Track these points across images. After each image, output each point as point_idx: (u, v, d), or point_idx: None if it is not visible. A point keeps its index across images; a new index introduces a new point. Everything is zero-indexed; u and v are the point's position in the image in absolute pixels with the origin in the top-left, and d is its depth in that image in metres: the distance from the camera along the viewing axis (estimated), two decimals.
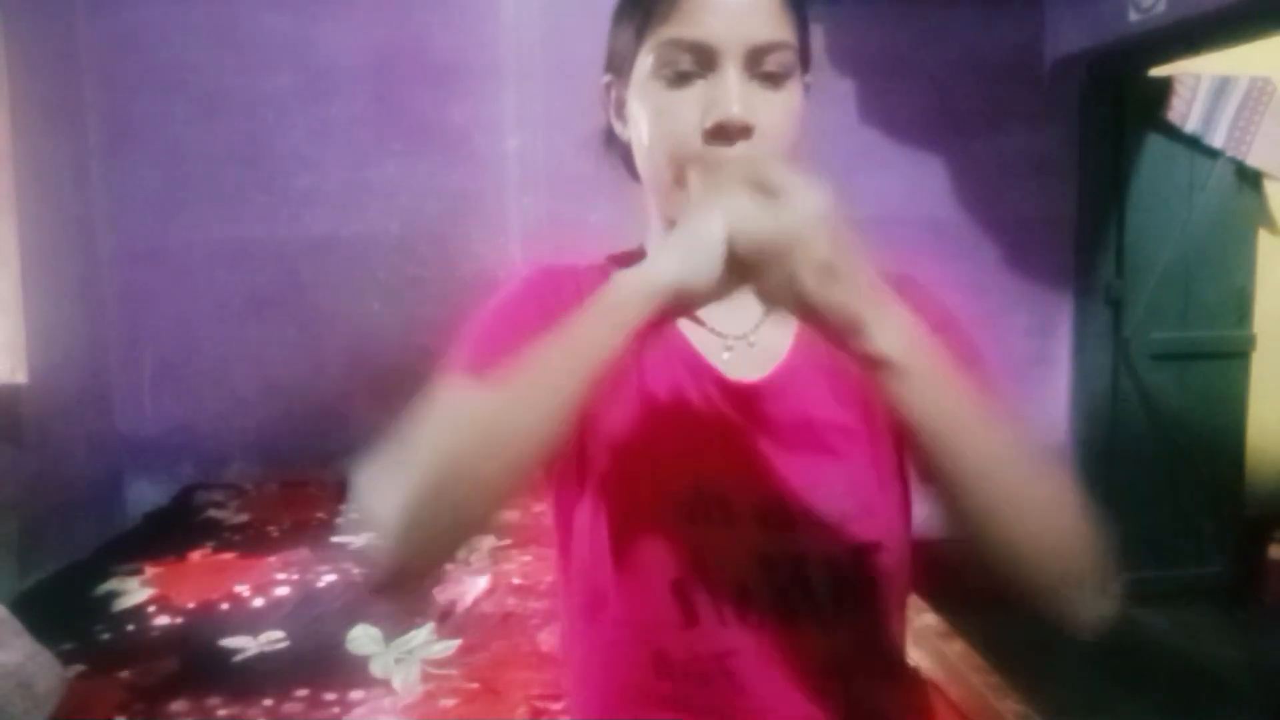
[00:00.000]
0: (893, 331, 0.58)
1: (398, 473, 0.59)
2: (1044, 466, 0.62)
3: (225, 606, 1.89)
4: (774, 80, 0.69)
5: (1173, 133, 3.16)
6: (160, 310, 2.89)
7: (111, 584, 2.01)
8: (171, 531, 2.39)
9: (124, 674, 1.61)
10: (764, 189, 0.57)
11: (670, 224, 0.71)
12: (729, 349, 0.76)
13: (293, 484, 2.71)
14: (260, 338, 2.90)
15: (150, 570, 2.07)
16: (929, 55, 3.04)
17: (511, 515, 2.10)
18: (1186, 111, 3.14)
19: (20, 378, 2.38)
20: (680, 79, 0.69)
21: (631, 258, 0.82)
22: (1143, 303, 3.20)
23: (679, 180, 0.69)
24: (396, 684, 1.57)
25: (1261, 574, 3.24)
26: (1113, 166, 3.15)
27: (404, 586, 0.63)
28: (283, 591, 1.95)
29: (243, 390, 2.90)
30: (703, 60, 0.68)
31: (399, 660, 1.65)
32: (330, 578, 2.01)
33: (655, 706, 0.70)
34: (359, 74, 2.89)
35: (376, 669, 1.62)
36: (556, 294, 0.75)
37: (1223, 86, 3.14)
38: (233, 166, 2.86)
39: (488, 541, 2.12)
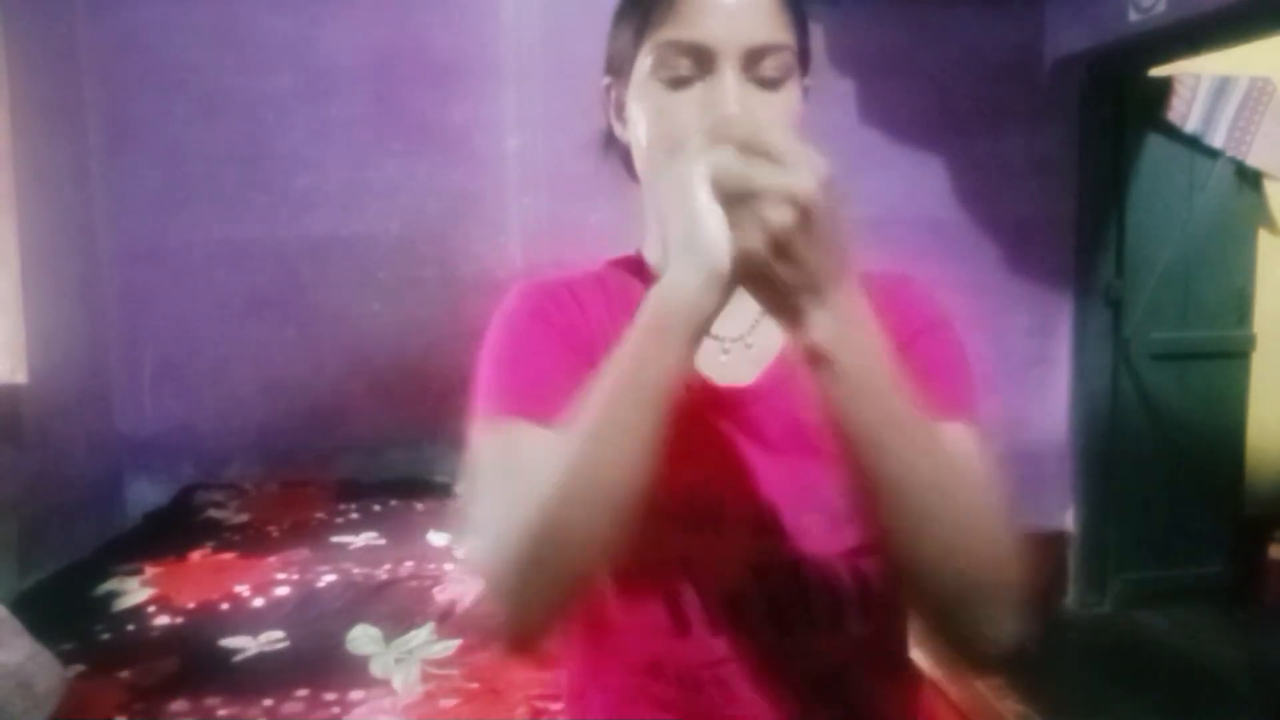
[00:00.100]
0: (830, 325, 0.56)
1: (496, 537, 0.59)
2: (971, 488, 0.61)
3: (225, 606, 1.89)
4: (772, 82, 0.68)
5: (1173, 133, 3.16)
6: (160, 310, 2.88)
7: (111, 584, 2.01)
8: (171, 531, 2.39)
9: (124, 674, 1.61)
10: (760, 151, 0.55)
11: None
12: (726, 351, 0.76)
13: (293, 484, 2.71)
14: (260, 338, 2.90)
15: (150, 570, 2.07)
16: (929, 55, 3.04)
17: None
18: (1186, 111, 3.14)
19: (20, 378, 2.37)
20: (679, 81, 0.68)
21: (629, 264, 0.81)
22: (1143, 303, 3.20)
23: None
24: (397, 684, 1.57)
25: (1261, 574, 3.23)
26: (1113, 166, 3.14)
27: (530, 647, 0.63)
28: (283, 591, 1.95)
29: (243, 390, 2.90)
30: (701, 62, 0.67)
31: (399, 660, 1.65)
32: (330, 578, 2.00)
33: (652, 710, 0.70)
34: (359, 74, 2.89)
35: (376, 669, 1.62)
36: (558, 306, 0.75)
37: (1223, 86, 3.14)
38: (233, 166, 2.86)
39: None
